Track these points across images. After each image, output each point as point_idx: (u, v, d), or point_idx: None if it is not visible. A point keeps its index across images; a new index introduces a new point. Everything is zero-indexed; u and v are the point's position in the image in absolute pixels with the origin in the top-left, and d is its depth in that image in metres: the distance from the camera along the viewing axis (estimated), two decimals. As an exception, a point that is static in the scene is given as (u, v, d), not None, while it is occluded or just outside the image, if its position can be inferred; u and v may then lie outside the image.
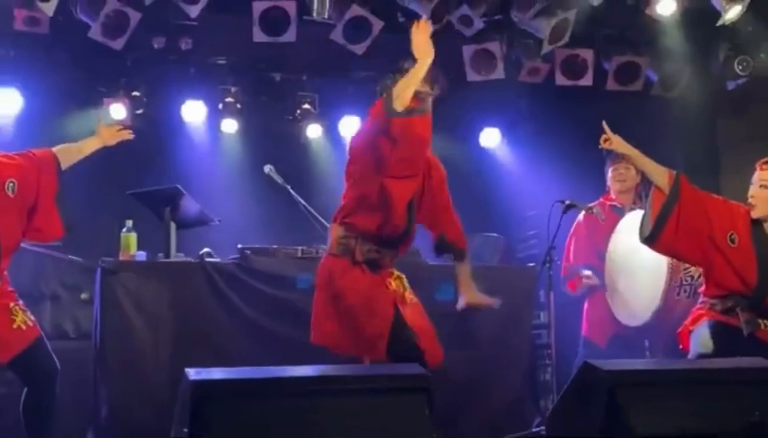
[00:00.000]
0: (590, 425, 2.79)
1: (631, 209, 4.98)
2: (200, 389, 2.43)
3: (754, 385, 2.97)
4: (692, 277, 4.55)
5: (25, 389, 3.77)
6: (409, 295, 3.94)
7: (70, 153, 4.04)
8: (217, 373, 2.53)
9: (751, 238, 3.96)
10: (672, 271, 4.50)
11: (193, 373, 2.49)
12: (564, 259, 5.20)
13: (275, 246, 4.95)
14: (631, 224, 4.80)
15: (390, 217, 3.78)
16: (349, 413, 2.54)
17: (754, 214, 3.99)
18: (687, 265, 4.50)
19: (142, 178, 5.47)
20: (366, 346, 3.71)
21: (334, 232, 3.87)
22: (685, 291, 4.60)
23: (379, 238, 3.82)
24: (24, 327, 3.76)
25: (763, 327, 3.87)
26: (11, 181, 3.74)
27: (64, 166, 3.97)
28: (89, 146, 4.13)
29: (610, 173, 5.25)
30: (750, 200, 4.02)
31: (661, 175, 4.05)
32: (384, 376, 2.68)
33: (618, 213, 5.04)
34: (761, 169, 4.05)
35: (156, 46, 5.75)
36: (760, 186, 4.00)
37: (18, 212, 3.78)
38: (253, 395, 2.48)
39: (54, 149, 3.98)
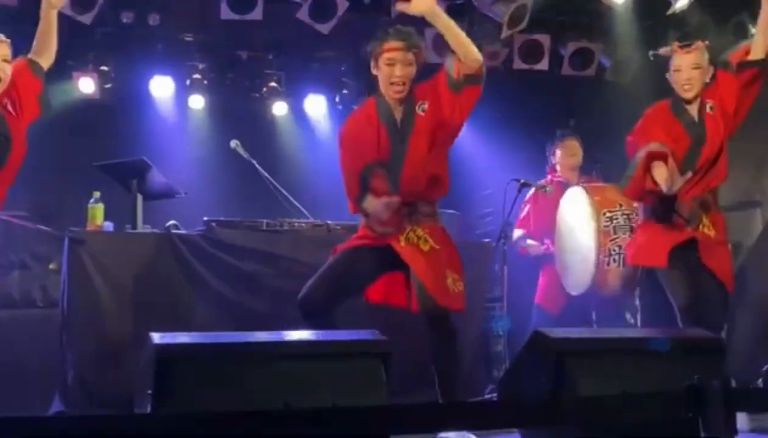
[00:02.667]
0: (539, 388, 2.84)
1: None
2: (163, 352, 2.43)
3: (692, 353, 3.05)
4: (619, 246, 4.67)
5: None
6: (425, 245, 3.68)
7: (41, 40, 3.76)
8: (180, 337, 2.52)
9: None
10: (599, 243, 4.61)
11: (157, 337, 2.49)
12: (517, 232, 5.31)
13: (240, 219, 4.93)
14: (570, 200, 4.91)
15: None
16: (309, 377, 2.56)
17: (691, 95, 3.99)
18: (614, 236, 4.62)
19: (109, 151, 5.43)
20: None
21: None
22: (614, 260, 4.71)
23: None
24: None
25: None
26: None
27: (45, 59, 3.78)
28: (47, 18, 3.71)
29: (559, 151, 5.32)
30: (686, 84, 3.99)
31: None
32: (342, 342, 2.70)
33: (563, 188, 5.12)
34: (686, 52, 4.02)
35: (125, 20, 5.68)
36: (693, 68, 3.98)
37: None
38: (215, 359, 2.49)
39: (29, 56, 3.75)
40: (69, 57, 6.05)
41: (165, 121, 6.51)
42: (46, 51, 3.77)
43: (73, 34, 5.63)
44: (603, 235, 4.65)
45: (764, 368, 4.42)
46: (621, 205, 4.74)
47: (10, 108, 3.67)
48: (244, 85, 6.65)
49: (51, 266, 5.63)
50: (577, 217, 4.81)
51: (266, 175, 5.08)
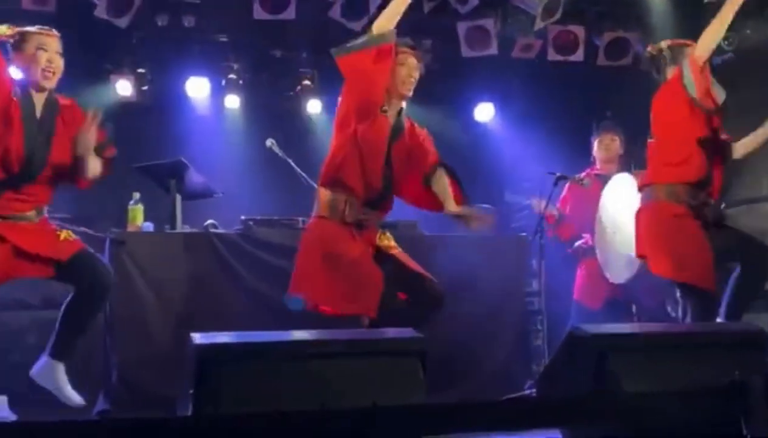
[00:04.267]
0: (578, 386, 2.82)
1: None
2: (204, 352, 2.45)
3: (733, 347, 3.00)
4: None
5: (73, 293, 3.71)
6: (396, 249, 3.99)
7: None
8: (220, 337, 2.54)
9: None
10: None
11: (197, 338, 2.51)
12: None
13: (276, 217, 4.96)
14: (615, 188, 4.86)
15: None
16: (347, 375, 2.56)
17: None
18: None
19: (147, 153, 5.49)
20: (357, 304, 3.74)
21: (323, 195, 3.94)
22: None
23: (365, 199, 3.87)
24: (71, 239, 3.77)
25: None
26: None
27: None
28: None
29: (596, 144, 5.31)
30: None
31: None
32: (380, 340, 2.70)
33: (602, 181, 5.08)
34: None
35: (160, 23, 5.74)
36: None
37: None
38: (254, 358, 2.50)
39: None
40: (106, 60, 6.14)
41: (201, 121, 6.56)
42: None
43: (110, 38, 5.72)
44: None
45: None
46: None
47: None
48: (279, 84, 6.68)
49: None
50: (622, 201, 4.71)
51: (301, 173, 5.10)
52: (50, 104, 3.75)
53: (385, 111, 3.86)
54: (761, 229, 5.85)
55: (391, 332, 2.74)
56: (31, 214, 3.72)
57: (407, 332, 2.72)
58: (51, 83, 3.72)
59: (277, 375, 2.49)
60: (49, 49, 3.72)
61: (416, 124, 4.09)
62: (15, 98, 3.61)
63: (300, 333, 2.67)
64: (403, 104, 3.98)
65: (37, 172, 3.67)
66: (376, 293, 3.66)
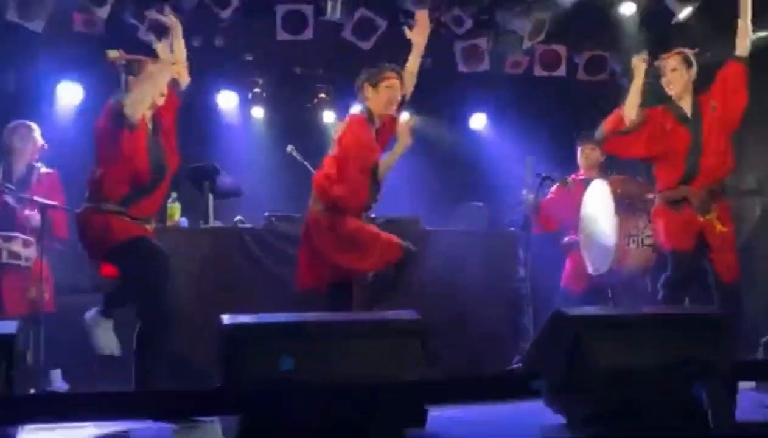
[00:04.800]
0: (559, 361, 2.81)
1: None
2: (231, 331, 2.46)
3: (694, 328, 2.99)
4: (637, 227, 4.62)
5: None
6: None
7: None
8: (246, 318, 2.54)
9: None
10: (620, 227, 4.57)
11: (226, 318, 2.51)
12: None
13: (296, 214, 4.97)
14: (593, 193, 4.87)
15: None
16: (355, 353, 2.56)
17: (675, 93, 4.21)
18: (633, 221, 4.60)
19: (183, 157, 5.46)
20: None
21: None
22: (633, 241, 4.66)
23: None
24: None
25: None
26: None
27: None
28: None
29: (579, 153, 5.33)
30: (669, 88, 4.22)
31: None
32: (386, 321, 2.70)
33: (585, 185, 5.09)
34: (668, 58, 4.26)
35: (194, 44, 5.71)
36: (672, 70, 4.23)
37: None
38: (274, 337, 2.50)
39: None
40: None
41: (230, 129, 6.56)
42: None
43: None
44: (623, 220, 4.60)
45: (763, 340, 4.32)
46: (638, 194, 4.73)
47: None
48: (298, 97, 6.68)
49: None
50: (600, 205, 4.76)
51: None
52: (155, 118, 3.77)
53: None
54: (746, 221, 5.82)
55: (394, 314, 2.73)
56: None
57: (410, 315, 2.71)
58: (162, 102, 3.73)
59: (294, 351, 2.49)
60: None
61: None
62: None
63: (315, 315, 2.66)
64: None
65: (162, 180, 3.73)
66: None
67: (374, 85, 4.04)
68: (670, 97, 4.31)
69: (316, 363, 2.48)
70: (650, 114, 4.28)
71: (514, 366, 4.71)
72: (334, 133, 4.21)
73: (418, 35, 4.14)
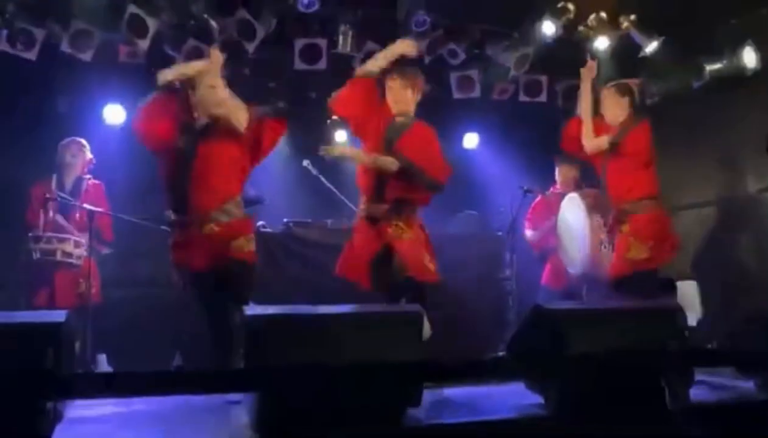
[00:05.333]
0: (538, 348, 2.82)
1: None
2: (252, 321, 2.48)
3: (655, 319, 2.99)
4: (609, 236, 4.63)
5: None
6: (408, 235, 3.68)
7: None
8: (264, 310, 2.56)
9: None
10: (593, 233, 4.58)
11: (248, 309, 2.53)
12: (526, 228, 5.32)
13: (311, 220, 5.00)
14: (568, 203, 4.89)
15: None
16: (365, 341, 2.55)
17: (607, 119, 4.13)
18: (604, 228, 4.61)
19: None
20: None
21: None
22: (604, 246, 4.67)
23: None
24: None
25: None
26: None
27: None
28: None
29: (557, 170, 5.36)
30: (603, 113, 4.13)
31: None
32: (390, 313, 2.72)
33: (561, 197, 5.11)
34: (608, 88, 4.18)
35: (225, 73, 5.74)
36: (605, 99, 4.15)
37: None
38: (293, 327, 2.52)
39: None
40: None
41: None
42: None
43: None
44: (595, 227, 4.60)
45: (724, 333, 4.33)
46: (608, 205, 4.75)
47: None
48: (314, 117, 6.69)
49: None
50: (575, 215, 4.76)
51: (331, 186, 5.13)
52: None
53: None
54: (679, 233, 5.84)
55: (396, 307, 2.75)
56: None
57: (411, 307, 2.73)
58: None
59: (308, 339, 2.51)
60: None
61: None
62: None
63: (325, 307, 2.68)
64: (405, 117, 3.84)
65: None
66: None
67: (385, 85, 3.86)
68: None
69: (327, 347, 2.50)
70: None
71: (500, 354, 4.72)
72: None
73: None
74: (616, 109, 4.12)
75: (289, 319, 2.55)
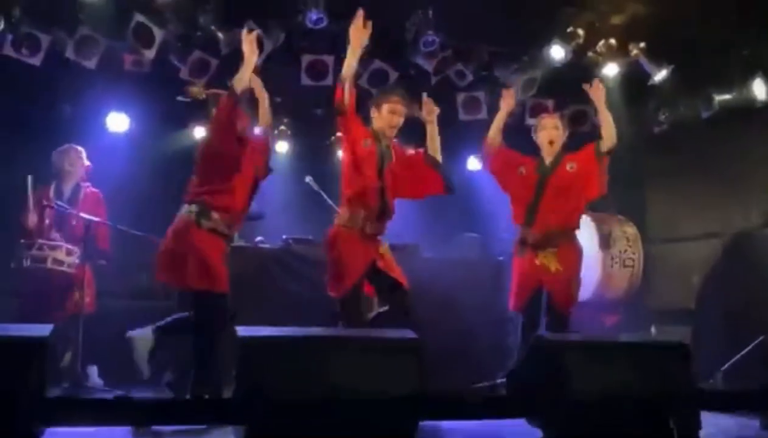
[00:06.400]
0: (539, 381, 2.71)
1: None
2: (244, 342, 2.36)
3: (660, 354, 2.87)
4: (620, 251, 4.52)
5: None
6: (388, 256, 3.78)
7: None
8: (257, 331, 2.45)
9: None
10: (603, 253, 4.48)
11: (240, 330, 2.42)
12: None
13: (310, 237, 4.89)
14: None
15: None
16: (357, 367, 2.46)
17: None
18: (612, 246, 4.49)
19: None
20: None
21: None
22: (615, 263, 4.56)
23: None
24: None
25: None
26: None
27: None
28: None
29: None
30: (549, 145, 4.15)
31: None
32: (386, 339, 2.60)
33: None
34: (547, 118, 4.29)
35: (229, 84, 5.67)
36: (542, 128, 4.25)
37: None
38: (285, 349, 2.41)
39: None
40: (187, 111, 6.09)
41: (259, 160, 6.48)
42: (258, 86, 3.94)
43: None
44: (605, 246, 4.50)
45: (721, 369, 4.20)
46: (616, 224, 4.67)
47: None
48: (318, 134, 6.62)
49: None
50: (584, 235, 4.64)
51: (331, 203, 5.02)
52: None
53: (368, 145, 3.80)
54: (679, 265, 5.75)
55: (393, 333, 2.63)
56: None
57: (408, 334, 2.61)
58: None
59: (301, 363, 2.40)
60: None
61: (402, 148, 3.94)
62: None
63: (320, 329, 2.57)
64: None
65: None
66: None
67: (378, 107, 3.86)
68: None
69: (321, 373, 2.38)
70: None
71: (498, 382, 4.59)
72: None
73: (428, 114, 3.87)
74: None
75: (281, 341, 2.44)
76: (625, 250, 4.52)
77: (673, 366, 2.78)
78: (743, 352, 4.07)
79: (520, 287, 4.03)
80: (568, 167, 4.09)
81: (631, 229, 4.73)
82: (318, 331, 2.67)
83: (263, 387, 2.29)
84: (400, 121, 3.82)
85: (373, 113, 3.87)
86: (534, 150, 5.74)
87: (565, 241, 3.99)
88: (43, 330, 2.29)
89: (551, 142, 4.11)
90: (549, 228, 3.99)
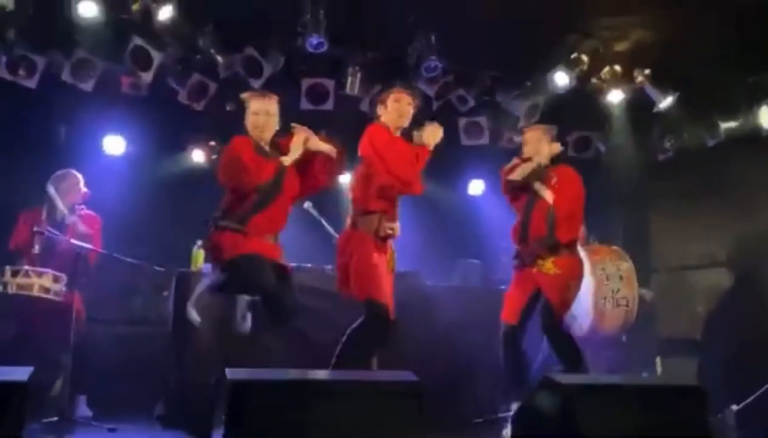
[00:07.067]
0: (547, 425, 2.54)
1: None
2: (234, 387, 2.20)
3: (678, 398, 2.72)
4: (612, 291, 4.42)
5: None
6: (392, 264, 3.67)
7: None
8: (248, 374, 2.29)
9: None
10: (596, 288, 4.36)
11: (230, 373, 2.26)
12: None
13: (309, 264, 4.75)
14: None
15: None
16: (354, 412, 2.29)
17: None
18: (606, 282, 4.38)
19: (213, 208, 5.27)
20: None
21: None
22: (608, 301, 4.45)
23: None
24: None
25: None
26: None
27: None
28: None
29: None
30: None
31: None
32: (385, 382, 2.43)
33: None
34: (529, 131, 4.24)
35: (228, 108, 5.58)
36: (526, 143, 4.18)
37: None
38: (277, 393, 2.24)
39: None
40: (185, 134, 5.99)
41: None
42: None
43: (189, 118, 5.57)
44: (599, 282, 4.38)
45: (733, 408, 4.03)
46: (610, 259, 4.54)
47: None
48: (318, 158, 6.49)
49: (164, 294, 5.50)
50: None
51: (331, 230, 4.89)
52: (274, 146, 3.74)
53: None
54: (684, 294, 5.63)
55: (393, 375, 2.47)
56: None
57: (408, 376, 2.45)
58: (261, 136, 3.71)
59: (294, 408, 2.23)
60: (260, 112, 3.79)
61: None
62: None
63: (317, 372, 2.41)
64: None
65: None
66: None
67: (383, 102, 3.75)
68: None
69: (317, 419, 2.22)
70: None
71: (501, 416, 4.42)
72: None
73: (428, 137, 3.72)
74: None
75: (273, 385, 2.28)
76: (618, 290, 4.40)
77: (688, 410, 2.61)
78: (759, 393, 3.89)
79: (516, 294, 3.97)
80: (552, 182, 3.98)
81: (626, 264, 4.58)
82: (309, 374, 2.50)
83: (255, 434, 2.13)
84: (408, 109, 3.68)
85: (380, 110, 3.76)
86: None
87: (564, 251, 3.88)
88: (21, 373, 2.14)
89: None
90: (542, 243, 3.87)
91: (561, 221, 3.95)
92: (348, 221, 3.74)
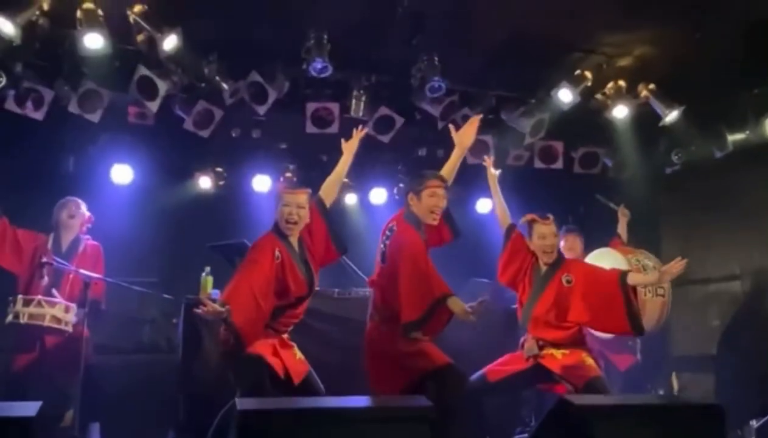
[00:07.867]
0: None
1: None
2: (244, 417, 2.15)
3: (695, 418, 2.65)
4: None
5: None
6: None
7: (331, 185, 3.80)
8: (257, 404, 2.24)
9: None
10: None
11: (239, 403, 2.21)
12: None
13: (317, 288, 4.69)
14: (596, 255, 4.71)
15: None
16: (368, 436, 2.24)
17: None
18: (645, 273, 4.29)
19: (220, 234, 5.25)
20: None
21: None
22: (649, 291, 4.37)
23: None
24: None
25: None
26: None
27: (329, 201, 3.77)
28: (343, 165, 3.81)
29: (562, 242, 4.99)
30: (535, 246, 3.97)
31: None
32: (396, 408, 2.38)
33: None
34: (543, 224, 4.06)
35: (234, 134, 5.61)
36: (540, 235, 4.04)
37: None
38: (287, 423, 2.19)
39: (320, 193, 3.75)
40: (192, 162, 6.00)
41: (263, 209, 6.33)
42: (331, 197, 3.79)
43: (195, 145, 5.58)
44: (636, 271, 4.26)
45: (753, 424, 3.93)
46: (641, 253, 4.54)
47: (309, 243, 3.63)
48: (324, 181, 6.48)
49: (174, 321, 5.46)
50: (613, 265, 4.40)
51: (360, 273, 4.85)
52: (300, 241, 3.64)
53: None
54: (697, 308, 5.53)
55: (403, 400, 2.42)
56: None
57: (419, 400, 2.40)
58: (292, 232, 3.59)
59: (304, 437, 2.18)
60: (291, 204, 3.61)
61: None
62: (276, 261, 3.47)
63: (327, 400, 2.36)
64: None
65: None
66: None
67: (417, 194, 3.65)
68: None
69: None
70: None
71: (515, 437, 4.34)
72: (381, 243, 3.72)
73: (465, 137, 3.81)
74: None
75: (283, 415, 2.23)
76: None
77: (707, 429, 2.54)
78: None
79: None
80: (564, 281, 3.82)
81: (656, 260, 4.59)
82: (321, 402, 2.46)
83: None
84: (443, 203, 3.66)
85: (411, 200, 3.67)
86: (545, 205, 5.59)
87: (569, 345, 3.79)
88: (29, 409, 2.11)
89: (546, 252, 3.94)
90: (544, 339, 3.83)
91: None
92: (373, 315, 3.66)
